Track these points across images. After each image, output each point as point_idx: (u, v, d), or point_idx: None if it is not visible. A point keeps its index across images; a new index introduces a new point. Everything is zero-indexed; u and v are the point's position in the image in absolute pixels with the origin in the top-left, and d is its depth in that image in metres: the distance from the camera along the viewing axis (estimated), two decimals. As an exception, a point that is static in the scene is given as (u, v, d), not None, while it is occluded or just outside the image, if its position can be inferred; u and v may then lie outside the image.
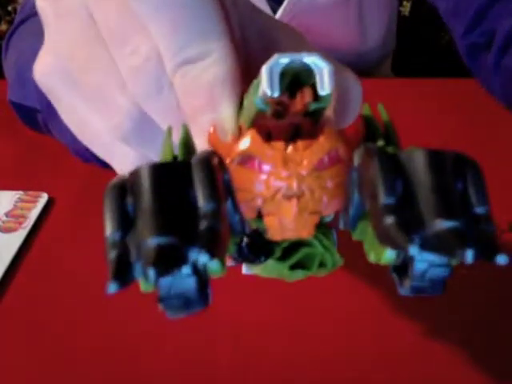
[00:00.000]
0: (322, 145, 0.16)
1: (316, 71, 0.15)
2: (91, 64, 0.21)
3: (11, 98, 0.47)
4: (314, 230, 0.17)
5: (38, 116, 0.46)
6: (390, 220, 0.13)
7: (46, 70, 0.23)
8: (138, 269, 0.13)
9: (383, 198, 0.13)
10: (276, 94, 0.15)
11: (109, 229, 0.14)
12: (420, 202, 0.13)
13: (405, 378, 0.32)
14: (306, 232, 0.17)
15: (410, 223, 0.13)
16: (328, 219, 0.18)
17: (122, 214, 0.14)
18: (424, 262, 0.14)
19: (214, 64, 0.18)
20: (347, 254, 0.37)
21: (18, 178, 0.45)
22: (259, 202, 0.16)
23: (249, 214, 0.17)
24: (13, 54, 0.51)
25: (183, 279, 0.14)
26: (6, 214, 0.41)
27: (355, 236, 0.16)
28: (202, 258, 0.13)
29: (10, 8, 1.28)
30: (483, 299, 0.36)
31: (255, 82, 0.16)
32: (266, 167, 0.16)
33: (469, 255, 0.12)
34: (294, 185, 0.16)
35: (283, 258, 0.21)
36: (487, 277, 0.37)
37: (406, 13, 0.97)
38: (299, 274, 0.21)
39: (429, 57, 1.11)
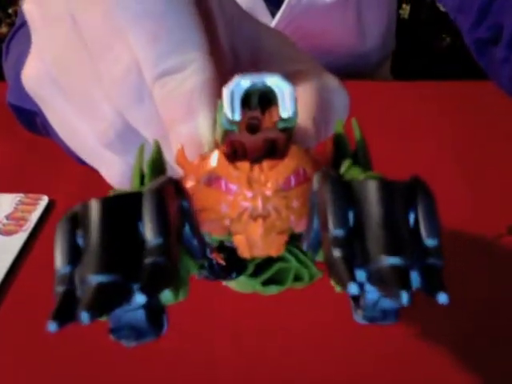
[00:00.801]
0: (287, 165, 0.16)
1: (278, 93, 0.15)
2: (77, 70, 0.21)
3: (10, 100, 0.47)
4: (283, 248, 0.17)
5: (36, 118, 0.46)
6: (336, 253, 0.13)
7: (33, 75, 0.23)
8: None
9: (332, 230, 0.13)
10: (237, 118, 0.15)
11: (58, 263, 0.14)
12: (369, 235, 0.13)
13: (404, 378, 0.32)
14: (274, 251, 0.17)
15: (356, 257, 0.13)
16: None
17: (72, 248, 0.14)
18: (375, 293, 0.14)
19: (191, 75, 0.18)
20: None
21: (19, 181, 0.45)
22: (227, 221, 0.16)
23: (219, 232, 0.17)
24: (12, 56, 0.51)
25: (132, 312, 0.14)
26: (7, 217, 0.42)
27: (319, 258, 0.16)
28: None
29: (10, 10, 1.28)
30: (483, 303, 0.36)
31: (219, 102, 0.16)
32: (232, 188, 0.16)
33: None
34: (259, 205, 0.16)
35: (256, 273, 0.21)
36: (488, 280, 0.37)
37: (406, 16, 0.98)
38: (273, 289, 0.21)
39: (428, 59, 1.11)
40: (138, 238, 0.14)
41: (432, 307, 0.34)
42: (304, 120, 0.18)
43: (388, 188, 0.14)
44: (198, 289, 0.37)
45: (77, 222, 0.14)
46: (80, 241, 0.14)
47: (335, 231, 0.13)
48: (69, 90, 0.22)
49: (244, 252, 0.17)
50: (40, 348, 0.34)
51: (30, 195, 0.43)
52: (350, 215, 0.13)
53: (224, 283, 0.23)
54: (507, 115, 0.53)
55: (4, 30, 1.29)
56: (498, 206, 0.42)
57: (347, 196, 0.14)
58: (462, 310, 0.35)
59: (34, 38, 0.23)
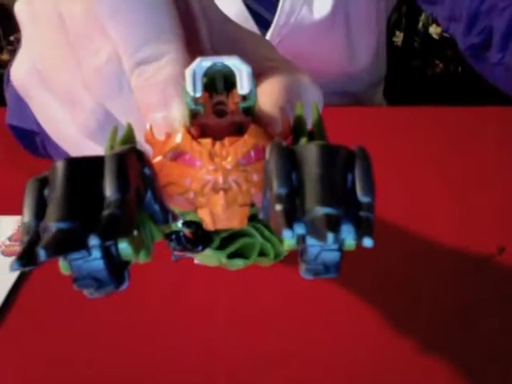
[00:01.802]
0: (247, 141, 0.17)
1: (236, 72, 0.16)
2: (61, 65, 0.22)
3: (10, 122, 0.48)
4: (245, 220, 0.18)
5: (36, 138, 0.47)
6: (278, 207, 0.14)
7: (21, 72, 0.24)
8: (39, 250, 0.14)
9: (276, 188, 0.14)
10: (198, 94, 0.16)
11: (25, 217, 0.15)
12: (308, 192, 0.14)
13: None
14: (236, 223, 0.18)
15: (295, 211, 0.14)
16: None
17: (39, 204, 0.15)
18: (316, 246, 0.15)
19: (167, 65, 0.19)
20: (347, 263, 0.38)
21: (21, 203, 0.46)
22: (191, 195, 0.17)
23: (186, 206, 0.18)
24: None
25: (92, 261, 0.15)
26: (9, 238, 0.43)
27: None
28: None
29: (12, 38, 1.30)
30: (476, 321, 0.37)
31: (183, 84, 0.17)
32: (195, 162, 0.17)
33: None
34: (220, 178, 0.17)
35: (222, 247, 0.22)
36: (479, 299, 0.38)
37: (399, 43, 1.00)
38: (238, 263, 0.22)
39: (421, 85, 1.13)
40: (100, 195, 0.15)
41: (433, 314, 0.35)
42: (271, 108, 0.19)
43: (327, 151, 0.15)
44: (198, 289, 0.38)
45: (45, 182, 0.15)
46: (47, 199, 0.15)
47: (277, 190, 0.14)
48: (53, 83, 0.23)
49: (208, 225, 0.18)
50: (43, 364, 0.35)
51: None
52: (294, 177, 0.14)
53: (196, 261, 0.24)
54: (496, 139, 0.55)
55: (5, 56, 1.31)
56: (488, 227, 0.44)
57: (290, 159, 0.15)
58: (455, 327, 0.36)
59: (24, 37, 0.24)
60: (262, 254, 0.23)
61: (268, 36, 0.62)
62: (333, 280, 0.39)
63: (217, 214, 0.17)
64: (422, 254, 0.42)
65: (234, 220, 0.18)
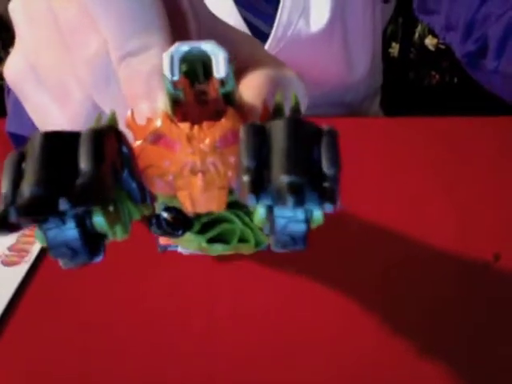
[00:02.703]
0: (224, 125, 0.17)
1: (212, 57, 0.17)
2: (53, 61, 0.23)
3: (9, 129, 0.49)
4: (224, 204, 0.18)
5: None
6: (245, 178, 0.15)
7: (14, 69, 0.24)
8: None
9: (244, 161, 0.15)
10: (176, 78, 0.17)
11: (3, 188, 0.15)
12: (274, 164, 0.15)
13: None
14: (215, 206, 0.18)
15: (262, 182, 0.15)
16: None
17: (16, 176, 0.15)
18: (283, 218, 0.15)
19: (152, 57, 0.20)
20: (347, 262, 0.38)
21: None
22: (170, 177, 0.18)
23: (166, 190, 0.18)
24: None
25: (67, 231, 0.15)
26: (9, 249, 0.43)
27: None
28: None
29: (10, 49, 1.30)
30: (474, 328, 0.37)
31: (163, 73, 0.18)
32: (174, 145, 0.17)
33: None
34: (198, 160, 0.17)
35: (202, 232, 0.22)
36: (476, 306, 0.39)
37: (395, 54, 1.01)
38: (218, 248, 0.23)
39: (418, 96, 1.14)
40: (75, 168, 0.15)
41: (433, 317, 0.36)
42: (253, 99, 0.20)
43: (294, 125, 0.15)
44: (197, 288, 0.38)
45: (23, 156, 0.16)
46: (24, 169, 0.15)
47: (245, 163, 0.15)
48: (46, 79, 0.23)
49: (188, 207, 0.18)
50: (41, 375, 0.35)
51: (32, 227, 0.44)
52: (263, 151, 0.15)
53: (179, 249, 0.25)
54: (492, 149, 0.55)
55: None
56: (484, 235, 0.44)
57: (259, 134, 0.15)
58: (453, 333, 0.36)
59: (17, 35, 0.24)
60: (243, 240, 0.23)
61: (266, 48, 0.63)
62: (332, 283, 0.40)
63: (195, 197, 0.18)
64: (420, 260, 0.42)
65: (212, 203, 0.18)
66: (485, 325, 0.37)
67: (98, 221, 0.16)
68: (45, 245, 0.16)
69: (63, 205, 0.14)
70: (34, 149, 0.15)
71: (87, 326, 0.38)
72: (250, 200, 0.14)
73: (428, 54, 1.25)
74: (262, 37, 0.64)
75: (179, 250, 0.25)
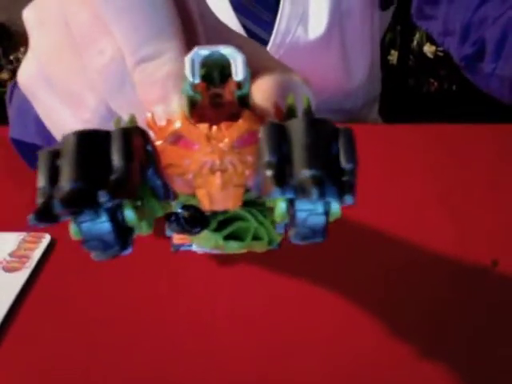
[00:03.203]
0: (241, 125, 0.18)
1: (231, 61, 0.18)
2: (66, 66, 0.23)
3: (13, 135, 0.49)
4: (240, 201, 0.19)
5: (37, 152, 0.48)
6: (268, 173, 0.15)
7: (28, 74, 0.25)
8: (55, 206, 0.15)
9: (266, 157, 0.16)
10: (196, 81, 0.17)
11: (40, 182, 0.16)
12: (296, 159, 0.16)
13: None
14: (231, 203, 0.19)
15: (285, 176, 0.15)
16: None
17: (51, 171, 0.16)
18: (304, 211, 0.16)
19: (167, 62, 0.20)
20: (346, 266, 0.38)
21: (22, 220, 0.47)
22: (190, 176, 0.18)
23: (185, 189, 0.19)
24: (16, 97, 0.54)
25: (101, 224, 0.16)
26: (10, 254, 0.43)
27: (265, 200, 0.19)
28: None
29: (11, 57, 1.32)
30: (472, 333, 0.38)
31: (183, 74, 0.18)
32: (193, 145, 0.18)
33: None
34: (217, 159, 0.18)
35: (218, 229, 0.23)
36: (476, 311, 0.39)
37: (394, 61, 1.01)
38: (234, 245, 0.24)
39: (416, 103, 1.15)
40: (107, 164, 0.16)
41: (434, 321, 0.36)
42: (264, 102, 0.20)
43: (313, 122, 0.16)
44: (198, 290, 0.38)
45: (57, 154, 0.16)
46: (59, 166, 0.16)
47: (268, 158, 0.16)
48: (59, 84, 0.24)
49: (205, 205, 0.19)
50: (42, 381, 0.35)
51: (33, 234, 0.45)
52: (284, 148, 0.16)
53: (194, 248, 0.25)
54: (490, 155, 0.56)
55: (5, 75, 1.32)
56: (482, 241, 0.44)
57: (279, 132, 0.16)
58: (452, 338, 0.37)
59: (31, 41, 0.25)
60: (256, 238, 0.24)
61: None
62: (332, 286, 0.40)
63: (213, 194, 0.18)
64: (419, 265, 0.43)
65: (229, 200, 0.19)
66: (483, 328, 0.38)
67: (129, 215, 0.17)
68: (79, 238, 0.17)
69: (103, 197, 0.15)
70: (69, 147, 0.16)
71: (88, 332, 0.38)
72: (274, 193, 0.15)
73: (426, 62, 1.25)
74: (261, 44, 0.65)
75: (193, 248, 0.26)
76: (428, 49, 1.26)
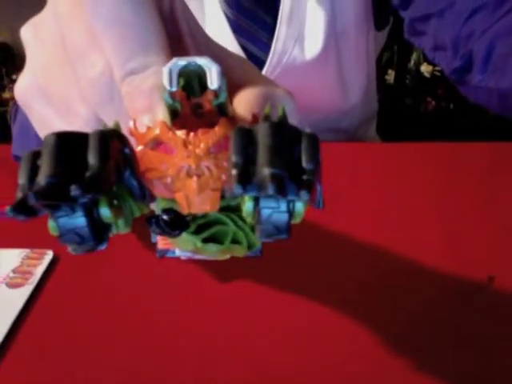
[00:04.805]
0: (217, 132, 0.19)
1: (207, 70, 0.19)
2: (60, 79, 0.25)
3: (15, 152, 0.50)
4: (217, 205, 0.20)
5: None
6: (233, 172, 0.17)
7: (23, 86, 0.26)
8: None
9: (232, 158, 0.17)
10: (174, 89, 0.19)
11: (20, 179, 0.17)
12: (259, 159, 0.17)
13: None
14: (209, 206, 0.20)
15: (249, 175, 0.16)
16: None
17: (32, 170, 0.17)
18: (268, 208, 0.17)
19: (153, 74, 0.22)
20: (341, 281, 0.39)
21: (25, 236, 0.47)
22: (169, 180, 0.19)
23: (166, 193, 0.20)
24: (19, 117, 0.55)
25: (76, 219, 0.18)
26: (14, 271, 0.44)
27: (236, 199, 0.20)
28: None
29: (14, 77, 1.33)
30: (467, 350, 0.38)
31: (163, 86, 0.20)
32: (172, 150, 0.19)
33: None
34: (193, 164, 0.19)
35: (198, 232, 0.24)
36: (471, 327, 0.39)
37: (391, 81, 1.03)
38: (213, 248, 0.24)
39: (414, 121, 1.16)
40: (84, 163, 0.17)
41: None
42: (246, 112, 0.21)
43: (277, 126, 0.17)
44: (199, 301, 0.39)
45: (38, 155, 0.18)
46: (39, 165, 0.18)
47: (234, 159, 0.17)
48: (52, 96, 0.25)
49: (184, 208, 0.20)
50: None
51: (36, 250, 0.46)
52: (250, 150, 0.17)
53: (177, 253, 0.26)
54: (486, 173, 0.57)
55: (7, 95, 1.33)
56: (478, 258, 0.45)
57: (247, 135, 0.17)
58: (448, 358, 0.37)
59: (28, 56, 0.26)
60: (235, 241, 0.25)
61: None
62: (326, 299, 0.40)
63: (191, 198, 0.19)
64: (414, 282, 0.43)
65: (206, 203, 0.20)
66: (480, 344, 0.38)
67: (104, 212, 0.18)
68: (56, 234, 0.18)
69: (75, 191, 0.16)
70: (48, 146, 0.17)
71: (91, 347, 0.38)
72: (236, 190, 0.16)
73: (424, 81, 1.27)
74: (259, 64, 0.66)
75: (177, 253, 0.26)
76: (425, 68, 1.28)
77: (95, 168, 0.17)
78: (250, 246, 0.25)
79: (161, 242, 0.27)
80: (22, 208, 0.16)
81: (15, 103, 0.58)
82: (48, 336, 0.40)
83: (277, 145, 0.17)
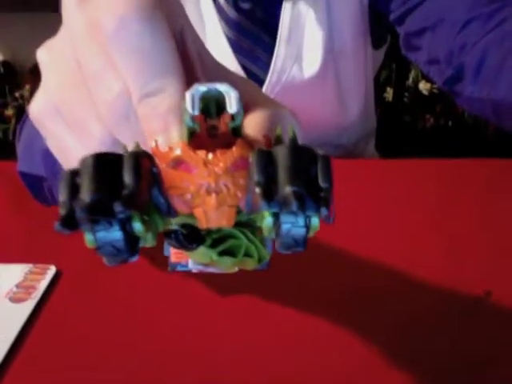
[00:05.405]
0: (234, 152, 0.20)
1: (226, 96, 0.20)
2: (75, 100, 0.25)
3: (20, 168, 0.51)
4: (233, 220, 0.21)
5: (43, 184, 0.50)
6: (258, 190, 0.18)
7: (39, 107, 0.27)
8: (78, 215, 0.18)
9: (255, 177, 0.18)
10: (196, 112, 0.20)
11: (61, 197, 0.18)
12: (280, 179, 0.18)
13: None
14: (225, 221, 0.21)
15: (271, 193, 0.18)
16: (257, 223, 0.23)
17: (71, 188, 0.18)
18: (288, 223, 0.19)
19: (168, 97, 0.23)
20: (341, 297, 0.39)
21: (28, 252, 0.48)
22: (189, 196, 0.21)
23: (184, 209, 0.21)
24: (24, 135, 0.55)
25: (113, 232, 0.19)
26: (17, 285, 0.44)
27: (248, 215, 0.21)
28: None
29: (17, 94, 1.35)
30: (465, 364, 0.38)
31: (183, 107, 0.21)
32: (192, 169, 0.20)
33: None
34: (212, 182, 0.20)
35: (213, 246, 0.26)
36: (468, 340, 0.40)
37: (390, 98, 1.04)
38: (227, 261, 0.26)
39: (412, 138, 1.17)
40: (119, 182, 0.18)
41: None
42: (256, 133, 0.22)
43: (295, 148, 0.19)
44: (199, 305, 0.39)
45: (76, 173, 0.19)
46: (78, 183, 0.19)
47: (257, 178, 0.18)
48: (68, 117, 0.26)
49: (202, 223, 0.21)
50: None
51: (39, 265, 0.46)
52: (270, 170, 0.18)
53: (190, 265, 0.28)
54: (484, 189, 0.57)
55: (10, 112, 1.34)
56: (474, 273, 0.45)
57: (267, 157, 0.19)
58: (443, 370, 0.38)
59: (43, 77, 0.27)
60: (247, 255, 0.26)
61: None
62: (330, 317, 0.41)
63: (209, 213, 0.21)
64: (412, 297, 0.44)
65: (223, 219, 0.21)
66: (475, 356, 0.39)
67: (137, 226, 0.19)
68: (94, 246, 0.19)
69: (117, 207, 0.18)
70: (87, 167, 0.19)
71: (93, 361, 0.39)
72: (262, 207, 0.18)
73: (422, 98, 1.28)
74: (258, 82, 0.67)
75: (189, 266, 0.27)
76: (423, 86, 1.29)
77: (131, 187, 0.18)
78: (260, 259, 0.26)
79: (174, 255, 0.28)
80: (68, 222, 0.18)
81: (21, 124, 0.59)
82: (51, 350, 0.40)
83: (296, 165, 0.18)
